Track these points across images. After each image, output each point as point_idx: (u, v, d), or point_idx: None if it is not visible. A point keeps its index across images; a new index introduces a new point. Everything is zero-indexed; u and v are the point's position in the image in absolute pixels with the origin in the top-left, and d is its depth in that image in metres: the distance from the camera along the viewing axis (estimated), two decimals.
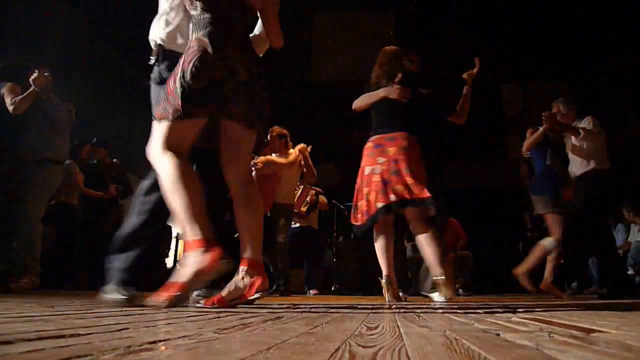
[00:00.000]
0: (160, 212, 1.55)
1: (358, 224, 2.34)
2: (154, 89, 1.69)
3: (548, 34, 6.10)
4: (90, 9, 5.58)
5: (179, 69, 1.39)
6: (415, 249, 6.62)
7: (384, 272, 2.34)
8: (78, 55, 5.63)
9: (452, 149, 6.90)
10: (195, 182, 1.39)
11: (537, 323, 0.85)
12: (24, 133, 3.08)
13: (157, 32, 1.71)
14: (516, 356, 0.45)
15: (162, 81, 1.58)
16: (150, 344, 0.50)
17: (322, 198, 5.40)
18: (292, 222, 5.21)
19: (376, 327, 0.77)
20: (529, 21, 5.99)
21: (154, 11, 1.78)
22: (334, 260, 5.76)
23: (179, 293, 1.25)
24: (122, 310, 1.14)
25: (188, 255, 1.30)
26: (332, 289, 5.37)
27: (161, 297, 1.26)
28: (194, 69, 1.34)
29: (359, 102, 2.49)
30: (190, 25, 1.55)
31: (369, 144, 2.41)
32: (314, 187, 5.38)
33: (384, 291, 2.29)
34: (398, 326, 0.79)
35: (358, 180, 2.41)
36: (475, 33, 5.44)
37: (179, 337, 0.56)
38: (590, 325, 0.76)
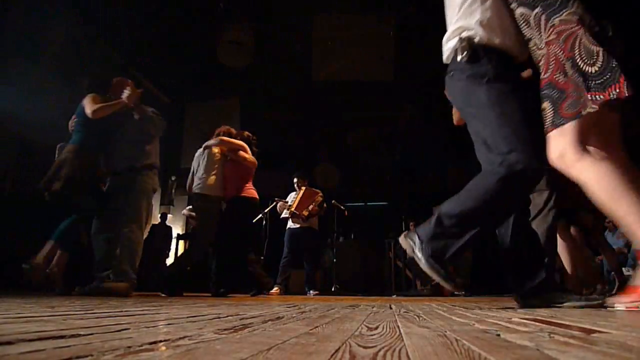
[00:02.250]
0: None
1: None
2: (472, 89, 1.45)
3: None
4: (90, 9, 5.59)
5: (565, 53, 1.24)
6: None
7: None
8: (78, 56, 5.63)
9: (454, 151, 6.88)
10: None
11: (537, 323, 0.85)
12: (116, 144, 3.20)
13: (467, 25, 1.46)
14: (516, 357, 0.45)
15: (495, 79, 1.40)
16: (150, 344, 0.50)
17: (324, 205, 5.38)
18: (293, 223, 5.21)
19: (376, 328, 0.77)
20: None
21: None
22: (334, 260, 5.76)
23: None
24: (121, 311, 1.15)
25: None
26: (332, 289, 5.37)
27: (626, 300, 1.23)
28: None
29: None
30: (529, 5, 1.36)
31: None
32: (317, 190, 5.34)
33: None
34: (398, 326, 0.79)
35: None
36: None
37: (179, 338, 0.56)
38: (591, 326, 0.76)
